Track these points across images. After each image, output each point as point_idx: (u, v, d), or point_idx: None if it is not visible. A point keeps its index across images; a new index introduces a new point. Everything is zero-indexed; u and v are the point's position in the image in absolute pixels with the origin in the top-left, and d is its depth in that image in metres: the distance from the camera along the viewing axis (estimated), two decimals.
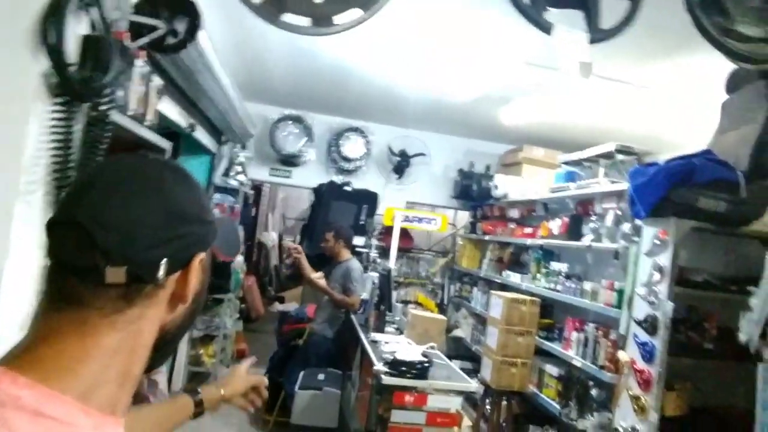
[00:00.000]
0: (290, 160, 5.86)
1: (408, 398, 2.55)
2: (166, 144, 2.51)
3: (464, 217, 6.36)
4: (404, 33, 3.39)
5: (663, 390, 2.83)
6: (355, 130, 5.87)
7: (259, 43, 3.90)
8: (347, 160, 5.89)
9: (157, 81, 2.26)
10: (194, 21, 2.66)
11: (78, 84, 1.42)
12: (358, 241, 5.39)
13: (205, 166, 5.34)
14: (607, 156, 3.78)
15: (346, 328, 4.16)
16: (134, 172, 0.62)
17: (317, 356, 4.10)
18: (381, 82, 4.44)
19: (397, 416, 2.53)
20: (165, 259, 0.59)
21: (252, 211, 9.17)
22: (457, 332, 5.75)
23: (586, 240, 3.66)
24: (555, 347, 3.93)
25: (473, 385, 2.75)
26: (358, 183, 5.94)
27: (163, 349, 0.66)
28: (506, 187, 5.11)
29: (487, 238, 5.46)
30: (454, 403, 2.63)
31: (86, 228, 0.56)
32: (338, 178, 5.87)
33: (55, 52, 1.35)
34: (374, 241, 5.78)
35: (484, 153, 6.06)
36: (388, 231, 5.74)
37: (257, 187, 9.40)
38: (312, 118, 5.78)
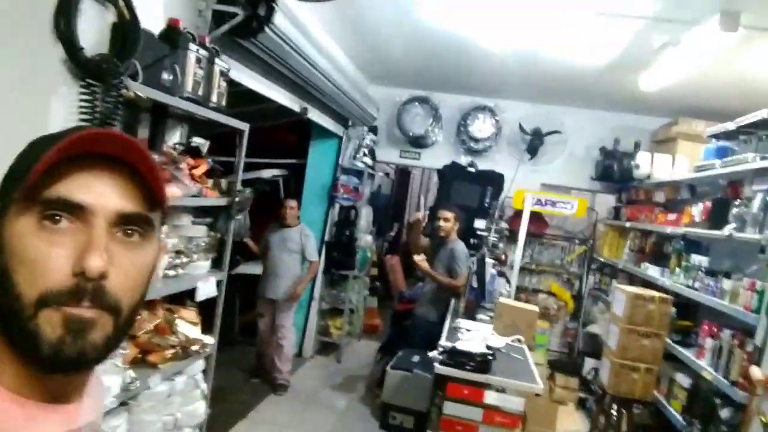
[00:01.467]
0: (418, 142, 5.82)
1: (463, 391, 2.38)
2: (240, 125, 2.65)
3: (607, 201, 5.71)
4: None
5: None
6: (483, 108, 5.61)
7: (371, 23, 3.89)
8: (475, 140, 5.66)
9: (221, 64, 2.40)
10: (271, 3, 2.79)
11: (91, 66, 1.57)
12: (479, 223, 5.18)
13: (333, 149, 5.60)
14: (763, 125, 3.06)
15: (447, 311, 4.04)
16: None
17: (421, 338, 4.05)
18: (506, 54, 4.14)
19: (449, 408, 2.37)
20: None
21: (396, 193, 9.41)
22: (593, 328, 5.23)
23: (727, 229, 3.02)
24: (687, 354, 3.34)
25: (538, 387, 2.45)
26: (487, 164, 5.68)
27: None
28: (649, 166, 4.45)
29: (628, 225, 4.83)
30: (516, 404, 2.37)
31: None
32: (466, 159, 5.68)
33: (66, 38, 1.51)
34: (502, 224, 5.49)
35: (632, 128, 5.33)
36: (517, 214, 5.41)
37: (405, 171, 9.63)
38: (438, 98, 5.66)
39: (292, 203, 4.78)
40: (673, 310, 3.66)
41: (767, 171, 2.83)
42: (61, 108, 1.57)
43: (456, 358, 2.43)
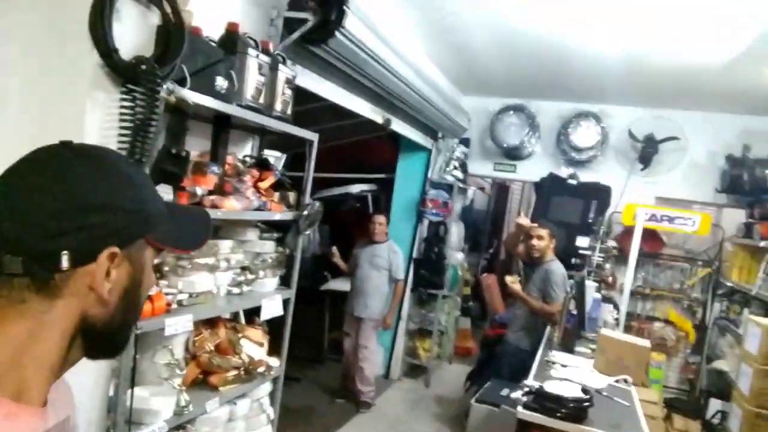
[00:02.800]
0: (513, 153, 5.45)
1: None
2: (308, 135, 2.52)
3: (735, 216, 4.94)
4: None
5: None
6: (587, 115, 5.11)
7: (461, 26, 3.67)
8: (578, 149, 5.17)
9: (286, 72, 2.28)
10: (342, 7, 2.64)
11: (127, 69, 1.48)
12: (582, 241, 4.68)
13: (422, 162, 5.40)
14: None
15: (542, 339, 3.62)
16: (44, 159, 0.61)
17: (510, 368, 3.67)
18: (611, 54, 3.73)
19: None
20: (66, 251, 0.58)
21: (494, 208, 8.98)
22: (719, 364, 4.50)
23: None
24: None
25: None
26: (592, 175, 5.16)
27: (95, 341, 0.65)
28: None
29: (763, 244, 4.11)
30: None
31: None
32: (567, 171, 5.20)
33: (100, 40, 1.44)
34: (609, 243, 4.94)
35: (765, 133, 4.58)
36: (628, 232, 4.84)
37: (503, 186, 9.18)
38: (535, 106, 5.26)
39: (381, 219, 4.66)
40: None
41: None
42: (97, 113, 1.50)
43: (544, 401, 2.06)
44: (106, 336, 0.66)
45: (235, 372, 2.35)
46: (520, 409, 2.13)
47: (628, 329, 4.63)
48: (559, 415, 2.03)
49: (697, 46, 3.39)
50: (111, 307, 0.64)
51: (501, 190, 9.32)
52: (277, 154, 2.92)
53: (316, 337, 5.63)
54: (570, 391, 2.10)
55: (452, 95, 5.01)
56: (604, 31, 3.38)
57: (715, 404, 4.39)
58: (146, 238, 0.66)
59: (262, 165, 2.56)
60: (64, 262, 0.58)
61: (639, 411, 2.31)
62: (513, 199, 10.03)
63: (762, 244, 4.11)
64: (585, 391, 2.12)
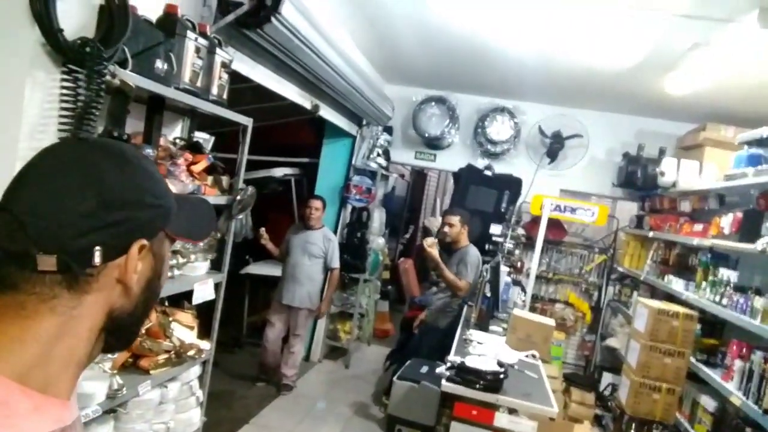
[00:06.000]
0: (434, 143, 5.66)
1: (471, 411, 2.21)
2: (243, 120, 2.53)
3: (629, 209, 5.49)
4: None
5: None
6: (502, 110, 5.42)
7: (388, 20, 3.77)
8: (493, 142, 5.48)
9: (223, 55, 2.27)
10: None
11: (71, 50, 1.45)
12: (495, 229, 5.00)
13: (346, 148, 5.46)
14: None
15: (458, 320, 3.87)
16: (69, 157, 0.63)
17: (429, 347, 3.90)
18: (527, 54, 3.98)
19: (457, 429, 2.21)
20: (99, 246, 0.60)
21: (414, 195, 9.24)
22: (611, 341, 5.01)
23: (761, 243, 2.81)
24: (713, 375, 3.13)
25: (553, 410, 2.26)
26: (505, 167, 5.50)
27: (117, 333, 0.67)
28: (675, 173, 4.23)
29: (652, 234, 4.61)
30: (527, 427, 2.20)
31: (17, 215, 0.58)
32: (483, 162, 5.50)
33: (42, 19, 1.39)
34: (519, 231, 5.30)
35: (657, 133, 5.11)
36: (535, 221, 5.22)
37: (421, 173, 9.47)
38: (456, 98, 5.49)
39: (317, 204, 4.56)
40: (698, 327, 3.46)
41: None
42: (38, 92, 1.45)
43: (465, 375, 2.26)
44: (129, 327, 0.69)
45: (165, 355, 2.34)
46: (444, 382, 2.31)
47: (533, 310, 5.02)
48: (478, 386, 2.24)
49: (602, 53, 3.72)
50: (134, 298, 0.66)
51: (419, 177, 9.61)
52: (206, 136, 2.88)
53: (234, 322, 5.57)
54: (487, 365, 2.31)
55: (377, 83, 5.11)
56: (523, 33, 3.61)
57: (607, 377, 4.90)
58: (166, 230, 0.69)
59: (194, 148, 2.53)
60: (97, 258, 0.60)
61: (546, 382, 2.59)
62: (430, 186, 10.38)
63: (651, 234, 4.61)
64: (500, 364, 2.34)
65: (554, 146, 5.32)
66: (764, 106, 3.90)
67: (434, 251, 3.89)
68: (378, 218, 5.78)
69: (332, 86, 3.87)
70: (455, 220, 4.10)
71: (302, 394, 4.73)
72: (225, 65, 2.30)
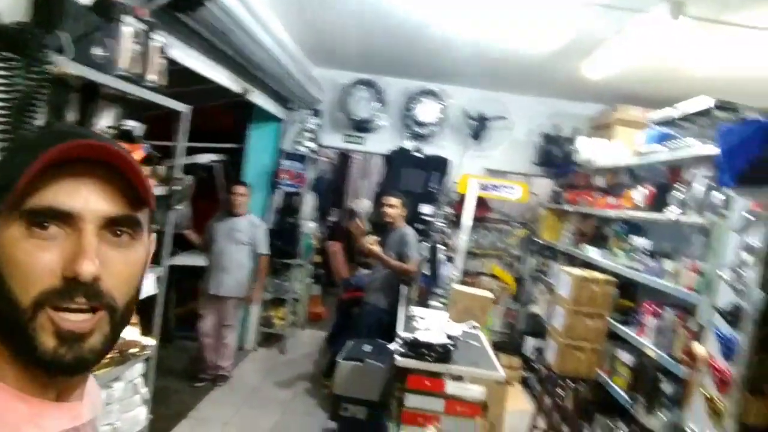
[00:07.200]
0: (363, 126, 5.70)
1: (424, 382, 2.33)
2: (180, 106, 2.44)
3: (546, 185, 5.84)
4: None
5: (745, 394, 2.35)
6: (429, 93, 5.55)
7: (315, 2, 3.71)
8: (421, 124, 5.61)
9: (159, 40, 2.18)
10: None
11: (8, 36, 1.35)
12: (425, 209, 5.15)
13: (274, 133, 5.37)
14: (704, 113, 3.16)
15: (398, 299, 3.99)
16: None
17: (369, 327, 3.98)
18: (453, 38, 4.08)
19: (411, 401, 2.33)
20: None
21: (338, 178, 9.25)
22: (533, 308, 5.36)
23: (670, 212, 3.12)
24: (629, 332, 3.46)
25: (499, 374, 2.45)
26: (433, 149, 5.65)
27: None
28: (589, 151, 4.56)
29: (569, 208, 4.96)
30: (476, 392, 2.36)
31: None
32: (412, 144, 5.62)
33: None
34: (446, 210, 5.49)
35: (571, 115, 5.46)
36: (463, 199, 5.43)
37: (345, 155, 9.47)
38: (384, 81, 5.55)
39: (242, 189, 4.45)
40: (616, 291, 3.79)
41: (707, 157, 2.93)
42: None
43: (417, 349, 2.37)
44: None
45: (109, 355, 2.25)
46: (398, 357, 2.41)
47: (463, 284, 5.25)
48: (430, 359, 2.35)
49: (525, 38, 3.91)
50: None
51: (343, 159, 9.62)
52: (136, 124, 2.75)
53: (163, 316, 5.36)
54: (437, 338, 2.43)
55: (307, 66, 5.05)
56: (452, 17, 3.70)
57: (530, 342, 5.25)
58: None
59: (127, 137, 2.42)
60: None
61: (490, 350, 2.75)
62: (354, 168, 10.42)
63: (566, 207, 4.95)
64: (449, 336, 2.47)
65: (479, 128, 5.54)
66: (669, 89, 4.28)
67: (377, 248, 3.98)
68: (308, 202, 5.76)
69: (264, 70, 3.79)
70: (397, 202, 4.19)
71: (239, 383, 4.68)
72: (161, 51, 2.20)
